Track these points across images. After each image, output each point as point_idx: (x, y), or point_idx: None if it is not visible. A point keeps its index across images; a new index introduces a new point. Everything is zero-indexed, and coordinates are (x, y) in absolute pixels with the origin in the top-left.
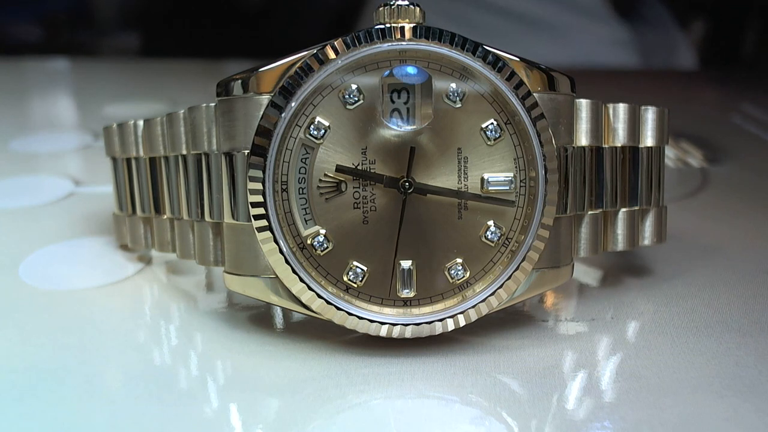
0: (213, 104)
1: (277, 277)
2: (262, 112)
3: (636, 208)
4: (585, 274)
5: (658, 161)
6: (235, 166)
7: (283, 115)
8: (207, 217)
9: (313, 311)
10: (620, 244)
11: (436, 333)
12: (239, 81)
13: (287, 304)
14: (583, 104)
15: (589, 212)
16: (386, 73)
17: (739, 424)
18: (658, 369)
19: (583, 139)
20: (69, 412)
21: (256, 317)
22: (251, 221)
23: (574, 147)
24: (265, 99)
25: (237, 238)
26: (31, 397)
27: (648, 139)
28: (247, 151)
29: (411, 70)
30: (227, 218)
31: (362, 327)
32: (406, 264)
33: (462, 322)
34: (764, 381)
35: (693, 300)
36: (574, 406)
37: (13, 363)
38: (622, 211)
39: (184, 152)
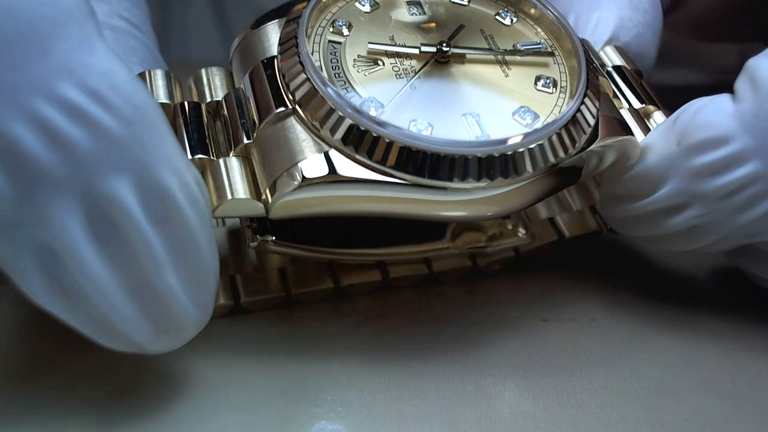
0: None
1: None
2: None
3: None
4: (585, 273)
5: None
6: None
7: (301, 21)
8: (229, 152)
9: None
10: None
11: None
12: (251, 25)
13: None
14: None
15: None
16: None
17: (739, 425)
18: (658, 369)
19: None
20: (55, 411)
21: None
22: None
23: None
24: (271, 25)
25: (271, 139)
26: (31, 396)
27: None
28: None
29: None
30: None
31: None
32: (471, 113)
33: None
34: (764, 381)
35: (693, 299)
36: (574, 405)
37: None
38: None
39: (179, 99)
